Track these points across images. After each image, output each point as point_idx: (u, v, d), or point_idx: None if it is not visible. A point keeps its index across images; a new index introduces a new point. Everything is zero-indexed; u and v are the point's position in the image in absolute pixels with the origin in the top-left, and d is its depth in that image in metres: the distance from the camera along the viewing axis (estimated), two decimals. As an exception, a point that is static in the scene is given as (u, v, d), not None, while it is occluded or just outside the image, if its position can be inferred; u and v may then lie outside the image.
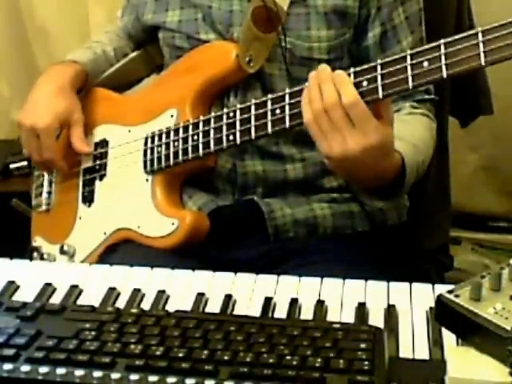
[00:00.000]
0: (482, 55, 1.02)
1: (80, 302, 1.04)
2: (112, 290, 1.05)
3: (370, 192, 1.28)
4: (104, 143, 1.47)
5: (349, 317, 0.98)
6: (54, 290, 1.06)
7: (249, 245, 1.36)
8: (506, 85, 2.09)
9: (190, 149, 1.31)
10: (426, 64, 1.07)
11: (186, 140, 1.32)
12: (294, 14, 1.32)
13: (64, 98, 1.45)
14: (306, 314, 0.99)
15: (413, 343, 0.92)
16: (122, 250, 1.37)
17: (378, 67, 1.11)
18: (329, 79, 1.12)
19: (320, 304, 1.00)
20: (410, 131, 1.31)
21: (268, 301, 1.01)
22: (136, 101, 1.48)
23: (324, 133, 1.12)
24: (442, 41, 1.06)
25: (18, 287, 1.07)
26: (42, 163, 1.47)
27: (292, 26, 1.32)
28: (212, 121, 1.29)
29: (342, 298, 1.02)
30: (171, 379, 0.82)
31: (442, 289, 0.89)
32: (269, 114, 1.22)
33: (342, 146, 1.11)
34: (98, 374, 0.83)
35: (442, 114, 1.60)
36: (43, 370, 0.84)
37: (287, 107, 1.20)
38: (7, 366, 0.84)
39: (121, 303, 1.03)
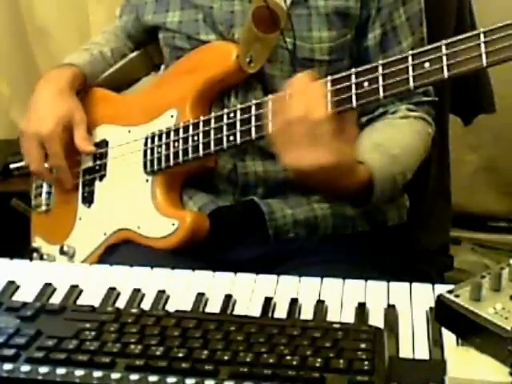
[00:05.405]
0: (484, 56, 1.02)
1: (80, 302, 1.04)
2: (112, 289, 1.05)
3: (338, 200, 1.30)
4: (104, 143, 1.47)
5: (349, 317, 0.98)
6: (54, 290, 1.06)
7: (249, 245, 1.35)
8: (507, 85, 2.09)
9: (190, 149, 1.31)
10: (427, 65, 1.07)
11: (186, 140, 1.32)
12: (295, 15, 1.32)
13: (64, 100, 1.45)
14: (306, 314, 0.99)
15: (413, 343, 0.92)
16: (122, 250, 1.37)
17: (380, 68, 1.11)
18: (300, 92, 1.12)
19: (320, 304, 1.00)
20: (394, 139, 1.31)
21: (268, 301, 1.01)
22: (136, 101, 1.48)
23: (283, 145, 1.13)
24: (444, 41, 1.06)
25: (18, 287, 1.07)
26: (39, 172, 1.46)
27: (293, 27, 1.32)
28: (212, 121, 1.28)
29: (342, 297, 1.02)
30: (171, 379, 0.82)
31: (442, 289, 0.89)
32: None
33: (298, 162, 1.11)
34: (97, 374, 0.83)
35: (443, 114, 1.60)
36: (43, 370, 0.84)
37: None
38: (7, 366, 0.84)
39: (121, 303, 1.03)
